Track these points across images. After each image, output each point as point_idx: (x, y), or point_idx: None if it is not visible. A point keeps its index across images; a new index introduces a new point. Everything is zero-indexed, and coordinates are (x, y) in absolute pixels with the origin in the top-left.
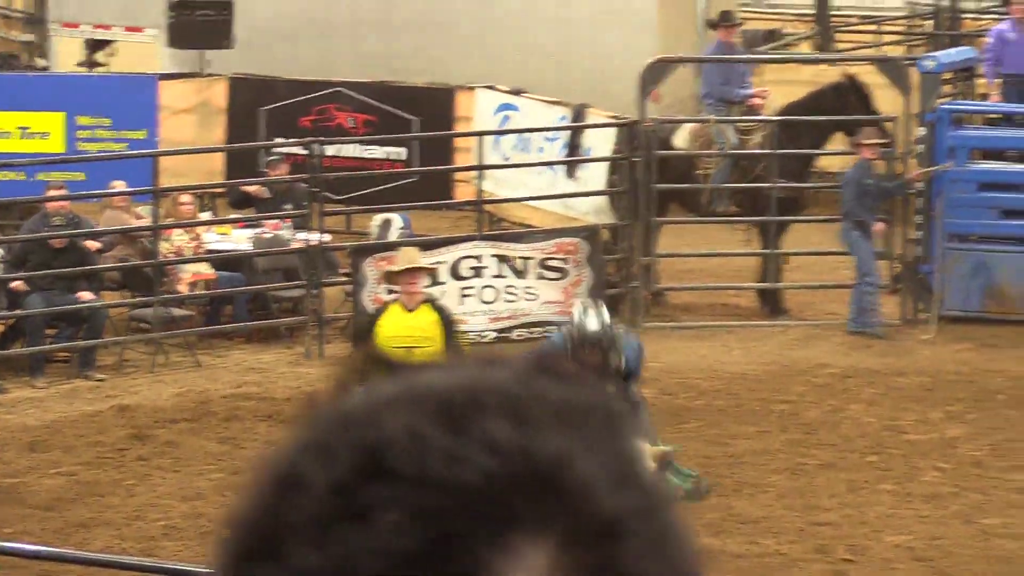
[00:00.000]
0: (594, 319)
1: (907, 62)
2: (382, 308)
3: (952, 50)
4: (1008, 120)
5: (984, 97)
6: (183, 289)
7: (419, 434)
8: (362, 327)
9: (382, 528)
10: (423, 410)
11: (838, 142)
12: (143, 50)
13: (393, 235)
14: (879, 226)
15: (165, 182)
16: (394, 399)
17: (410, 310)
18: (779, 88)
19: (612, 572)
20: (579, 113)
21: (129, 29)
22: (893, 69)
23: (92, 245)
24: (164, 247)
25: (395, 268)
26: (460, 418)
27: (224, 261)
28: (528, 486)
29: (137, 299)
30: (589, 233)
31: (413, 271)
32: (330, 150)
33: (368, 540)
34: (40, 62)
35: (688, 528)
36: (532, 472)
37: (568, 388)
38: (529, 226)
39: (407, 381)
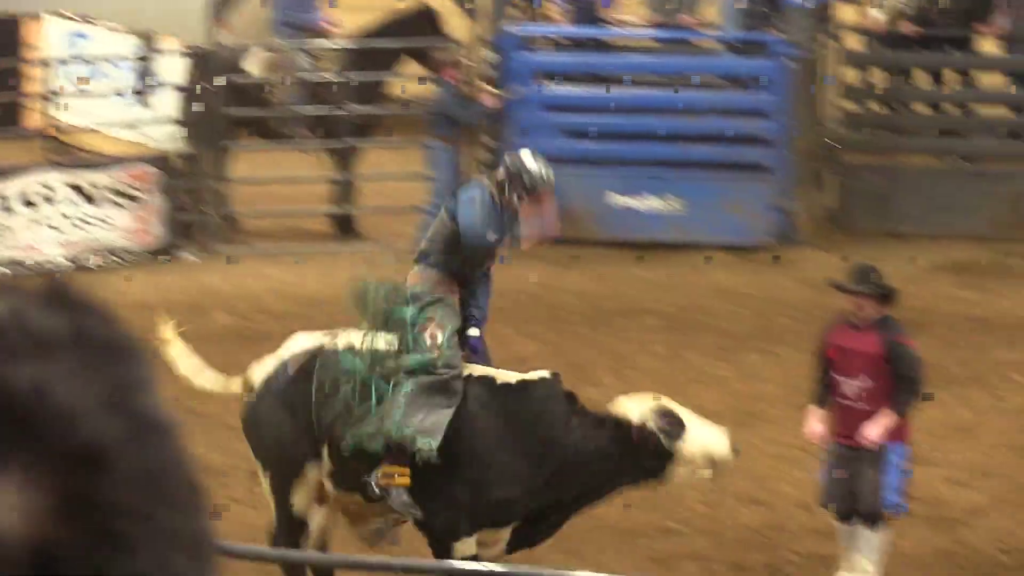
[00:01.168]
0: (543, 168)
1: None
2: None
3: None
4: (574, 43)
5: (551, 20)
6: None
7: None
8: None
9: None
10: None
11: (410, 67)
12: None
13: None
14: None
15: None
16: None
17: None
18: (350, 15)
19: (90, 501)
20: (150, 40)
21: None
22: None
23: None
24: None
25: None
26: None
27: None
28: None
29: None
30: (161, 160)
31: None
32: None
33: None
34: None
35: (190, 460)
36: (2, 401)
37: (65, 315)
38: (101, 154)
39: None
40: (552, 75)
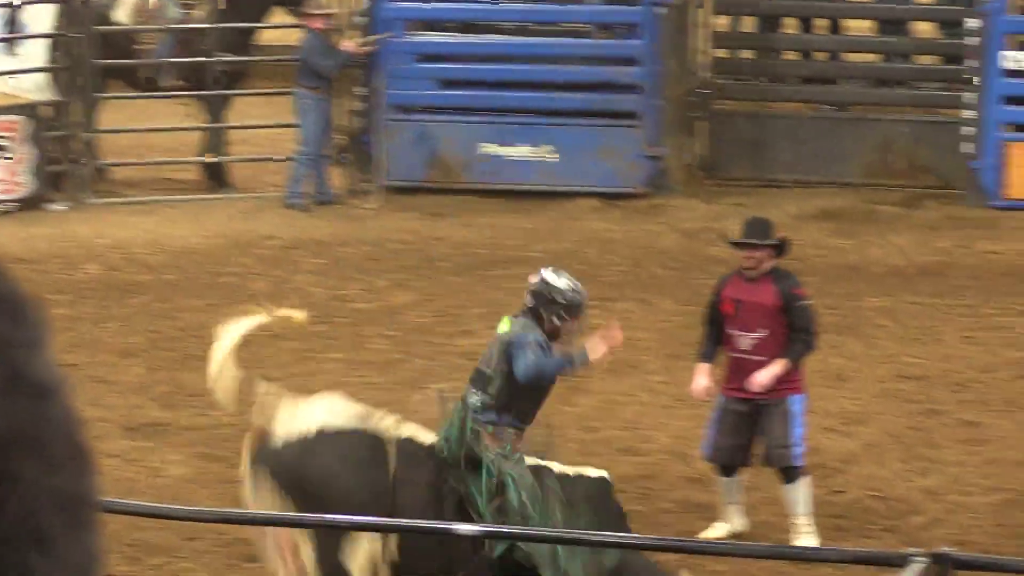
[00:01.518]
0: (573, 282)
1: None
2: None
3: None
4: None
5: None
6: None
7: None
8: None
9: None
10: None
11: (278, 16)
12: None
13: None
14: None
15: None
16: None
17: None
18: None
19: None
20: None
21: None
22: None
23: None
24: None
25: None
26: None
27: None
28: None
29: None
30: (30, 110)
31: None
32: None
33: None
34: None
35: (76, 416)
36: None
37: None
38: None
39: None
40: (426, 24)
